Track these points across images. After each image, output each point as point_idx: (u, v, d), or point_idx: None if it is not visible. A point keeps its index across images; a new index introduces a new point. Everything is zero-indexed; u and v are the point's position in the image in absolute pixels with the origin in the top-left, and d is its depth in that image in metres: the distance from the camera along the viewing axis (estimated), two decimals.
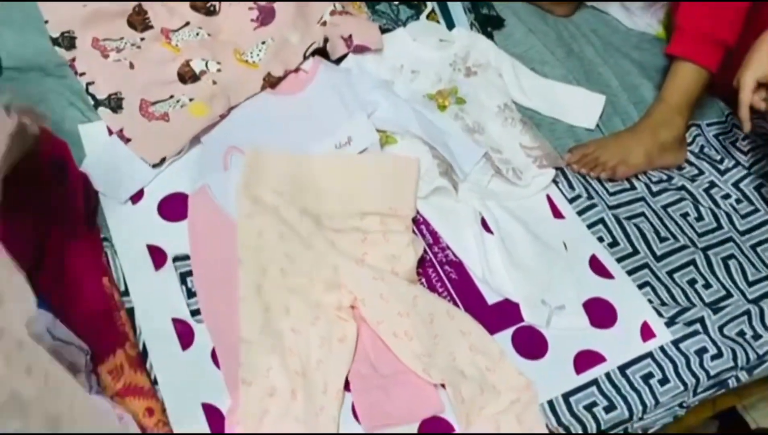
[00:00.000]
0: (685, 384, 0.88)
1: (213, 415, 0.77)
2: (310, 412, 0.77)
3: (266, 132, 1.00)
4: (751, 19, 1.03)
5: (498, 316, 0.90)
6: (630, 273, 0.97)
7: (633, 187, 1.08)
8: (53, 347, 0.74)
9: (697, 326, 0.93)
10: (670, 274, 0.99)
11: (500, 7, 1.30)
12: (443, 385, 0.82)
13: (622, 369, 0.88)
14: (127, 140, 0.97)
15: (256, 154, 0.96)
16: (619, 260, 0.98)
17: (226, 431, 0.76)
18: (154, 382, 0.78)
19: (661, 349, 0.90)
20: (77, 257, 0.83)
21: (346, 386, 0.81)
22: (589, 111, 1.16)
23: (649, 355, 0.90)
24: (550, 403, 0.84)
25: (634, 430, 0.86)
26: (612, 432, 0.85)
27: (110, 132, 0.98)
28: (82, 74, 1.03)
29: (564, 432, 0.82)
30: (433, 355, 0.83)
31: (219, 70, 1.06)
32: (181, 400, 0.77)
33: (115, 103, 1.01)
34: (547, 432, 0.81)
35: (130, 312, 0.83)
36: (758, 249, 1.04)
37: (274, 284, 0.86)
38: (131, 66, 1.05)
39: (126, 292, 0.85)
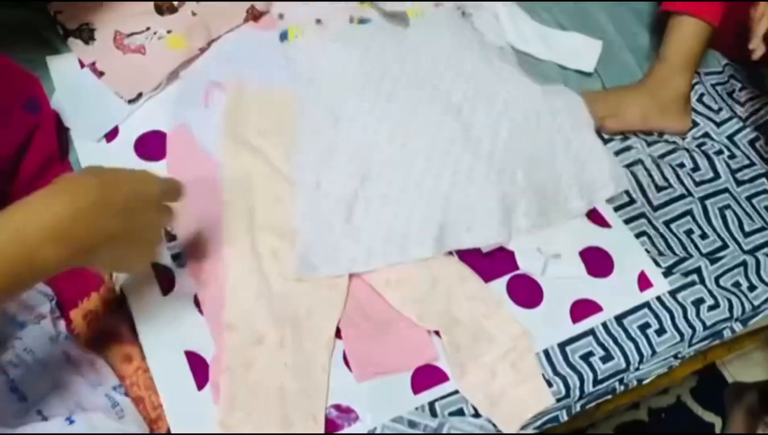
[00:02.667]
0: (681, 334, 0.86)
1: (196, 362, 0.73)
2: (299, 361, 0.74)
3: (249, 67, 0.94)
4: None
5: (492, 264, 0.86)
6: (627, 222, 0.94)
7: (626, 138, 1.04)
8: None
9: (695, 277, 0.91)
10: (667, 223, 0.96)
11: None
12: (437, 333, 0.79)
13: (619, 319, 0.86)
14: (101, 74, 0.90)
15: (239, 90, 0.91)
16: (616, 209, 0.96)
17: (211, 380, 0.72)
18: (133, 329, 0.73)
19: (659, 299, 0.88)
20: None
21: (338, 334, 0.77)
22: (586, 55, 1.12)
23: (646, 304, 0.87)
24: (546, 352, 0.82)
25: (629, 380, 0.85)
26: (608, 382, 0.83)
27: (82, 65, 0.91)
28: (49, 1, 0.95)
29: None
30: (427, 301, 0.80)
31: (198, 1, 0.99)
32: (162, 347, 0.73)
33: (87, 35, 0.93)
34: (544, 382, 0.79)
35: None
36: (754, 200, 1.02)
37: (262, 226, 0.81)
38: None
39: None
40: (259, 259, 0.79)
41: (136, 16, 0.96)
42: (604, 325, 0.85)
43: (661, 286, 0.89)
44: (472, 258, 0.86)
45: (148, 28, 0.95)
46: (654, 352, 0.85)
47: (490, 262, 0.87)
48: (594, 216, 0.94)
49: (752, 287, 0.93)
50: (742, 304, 0.90)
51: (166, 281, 0.77)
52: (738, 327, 0.90)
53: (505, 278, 0.86)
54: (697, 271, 0.92)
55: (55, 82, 0.89)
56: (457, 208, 0.85)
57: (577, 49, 1.12)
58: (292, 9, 0.99)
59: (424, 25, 1.01)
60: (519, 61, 1.07)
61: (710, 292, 0.90)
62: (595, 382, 0.81)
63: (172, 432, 0.68)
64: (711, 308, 0.89)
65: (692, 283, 0.90)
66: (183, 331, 0.74)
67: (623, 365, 0.83)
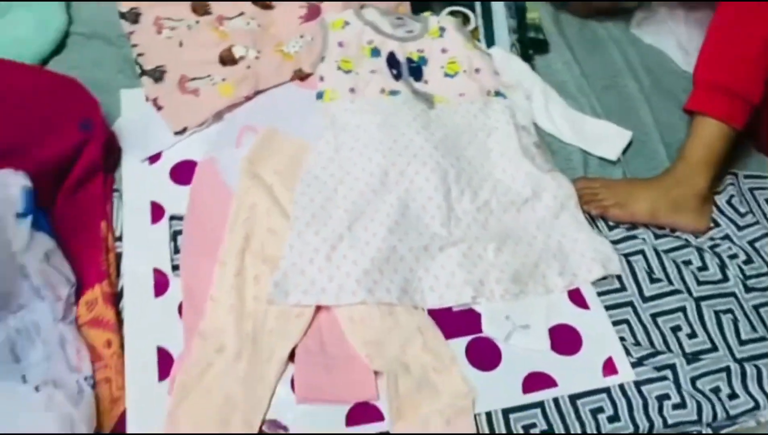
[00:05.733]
0: (636, 426, 0.86)
1: (164, 357, 0.84)
2: (250, 376, 0.82)
3: (283, 118, 1.07)
4: None
5: (457, 322, 0.91)
6: (610, 308, 0.95)
7: (634, 228, 1.05)
8: (43, 269, 0.84)
9: (667, 372, 0.90)
10: (654, 316, 0.96)
11: (550, 32, 1.31)
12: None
13: (573, 398, 0.87)
14: (159, 108, 1.07)
15: (270, 134, 1.04)
16: (602, 293, 0.97)
17: (171, 374, 0.82)
18: (120, 320, 0.86)
19: (621, 386, 0.88)
20: (86, 199, 0.93)
21: (292, 357, 0.85)
22: (612, 143, 1.15)
23: (606, 390, 0.88)
24: (489, 414, 0.84)
25: None
26: None
27: (147, 99, 1.09)
28: (135, 45, 1.15)
29: None
30: (382, 344, 0.86)
31: (257, 58, 1.15)
32: (139, 339, 0.85)
33: (158, 75, 1.12)
34: None
35: (120, 256, 0.92)
36: (762, 310, 0.99)
37: (252, 254, 0.92)
38: (180, 44, 1.16)
39: (120, 239, 0.94)
40: (243, 280, 0.90)
41: (203, 64, 1.13)
42: (556, 400, 0.86)
43: (626, 374, 0.89)
44: (439, 313, 0.92)
45: (209, 75, 1.12)
46: None
47: (455, 320, 0.92)
48: (574, 296, 0.96)
49: (733, 395, 0.90)
50: (714, 410, 0.88)
51: (161, 286, 0.90)
52: (707, 431, 0.88)
53: (467, 338, 0.90)
54: (671, 367, 0.90)
55: (122, 109, 1.08)
56: (423, 270, 0.93)
57: (604, 136, 1.16)
58: (332, 75, 1.12)
59: (444, 110, 1.10)
60: (542, 142, 1.12)
61: (680, 390, 0.88)
62: None
63: (128, 407, 0.78)
64: (676, 407, 0.87)
65: (661, 379, 0.89)
66: (161, 330, 0.86)
67: None
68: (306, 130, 1.06)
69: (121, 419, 0.79)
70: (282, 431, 0.80)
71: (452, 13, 1.26)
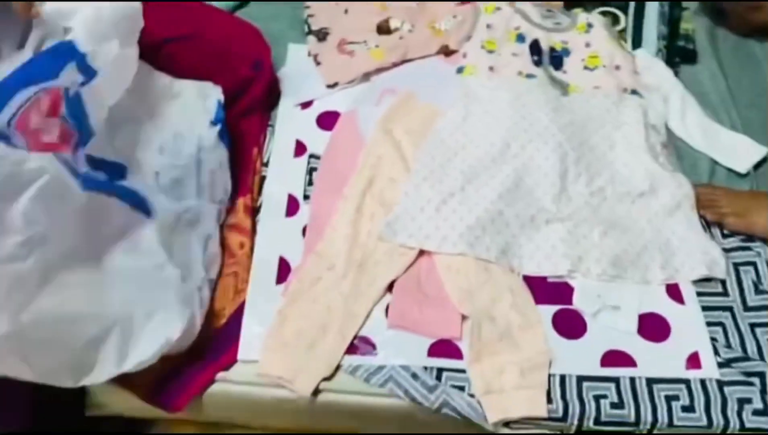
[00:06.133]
0: (710, 421, 0.86)
1: (284, 266, 0.97)
2: (351, 294, 0.93)
3: (422, 86, 1.17)
4: None
5: (549, 290, 0.96)
6: (707, 309, 0.96)
7: (750, 239, 1.03)
8: (213, 172, 0.99)
9: (754, 379, 0.89)
10: (753, 326, 0.95)
11: (703, 44, 1.31)
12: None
13: (650, 381, 0.89)
14: (318, 63, 1.22)
15: (407, 97, 1.14)
16: (702, 294, 0.97)
17: (287, 281, 0.95)
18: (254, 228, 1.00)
19: (702, 382, 0.89)
20: (247, 127, 1.09)
21: (390, 289, 0.95)
22: (744, 156, 1.13)
23: (686, 381, 0.89)
24: (562, 377, 0.89)
25: None
26: (613, 428, 0.86)
27: (309, 54, 1.24)
28: (307, 8, 1.30)
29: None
30: (473, 294, 0.93)
31: (410, 31, 1.26)
32: (266, 247, 0.99)
33: (322, 35, 1.26)
34: (544, 395, 0.86)
35: (263, 179, 1.07)
36: None
37: (372, 196, 1.03)
38: (345, 11, 1.29)
39: (266, 165, 1.09)
40: (360, 216, 1.01)
41: (362, 31, 1.26)
42: (632, 380, 0.89)
43: (709, 371, 0.90)
44: (534, 280, 0.97)
45: (365, 41, 1.25)
46: (671, 424, 0.86)
47: (548, 289, 0.96)
48: (672, 290, 0.97)
49: None
50: None
51: (292, 209, 1.03)
52: None
53: (556, 307, 0.95)
54: (760, 375, 0.89)
55: (287, 60, 1.23)
56: (526, 238, 0.99)
57: (737, 148, 1.14)
58: (475, 53, 1.20)
59: (577, 99, 1.15)
60: (670, 144, 1.14)
61: (764, 398, 0.87)
62: (597, 421, 0.86)
63: (247, 299, 0.92)
64: (757, 413, 0.86)
65: (747, 383, 0.88)
66: (285, 244, 0.99)
67: (632, 419, 0.86)
68: (441, 99, 1.15)
69: (240, 308, 0.92)
70: (370, 348, 0.90)
71: (603, 13, 1.30)
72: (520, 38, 1.22)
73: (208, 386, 0.88)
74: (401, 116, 1.12)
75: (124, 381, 0.84)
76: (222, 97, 1.00)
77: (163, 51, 1.01)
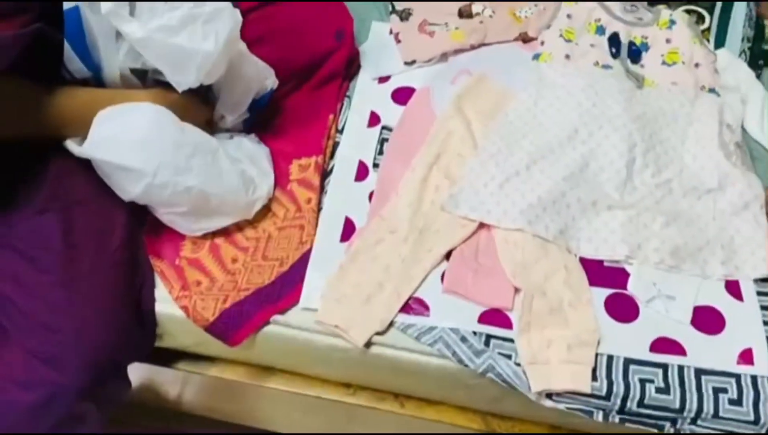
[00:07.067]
0: (757, 416, 0.85)
1: (348, 225, 1.02)
2: (410, 257, 0.97)
3: (497, 70, 1.19)
4: None
5: (604, 274, 0.97)
6: (766, 308, 0.95)
7: None
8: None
9: None
10: None
11: None
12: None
13: (699, 371, 0.89)
14: (398, 41, 1.26)
15: (481, 79, 1.17)
16: (763, 294, 0.96)
17: (351, 239, 1.00)
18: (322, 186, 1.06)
19: (753, 377, 0.88)
20: (324, 93, 1.15)
21: (448, 256, 0.98)
22: None
23: (736, 376, 0.88)
24: (609, 357, 0.90)
25: (683, 428, 0.87)
26: (656, 412, 0.87)
27: (391, 32, 1.28)
28: None
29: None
30: (528, 268, 0.96)
31: (491, 16, 1.29)
32: (334, 206, 1.04)
33: (405, 15, 1.30)
34: (589, 372, 0.88)
35: (336, 145, 1.12)
36: None
37: (438, 168, 1.06)
38: None
39: (340, 132, 1.14)
40: (425, 186, 1.05)
41: (444, 14, 1.30)
42: (681, 368, 0.89)
43: (762, 368, 0.89)
44: (589, 262, 0.98)
45: (446, 23, 1.28)
46: (716, 415, 0.86)
47: (603, 273, 0.98)
48: (731, 286, 0.97)
49: None
50: None
51: (362, 174, 1.08)
52: None
53: (610, 290, 0.96)
54: None
55: (370, 36, 1.28)
56: (585, 221, 1.01)
57: None
58: (553, 41, 1.22)
59: (652, 92, 1.15)
60: (744, 144, 1.13)
61: None
62: (641, 404, 0.87)
63: (312, 250, 0.97)
64: None
65: None
66: (352, 205, 1.04)
67: (677, 406, 0.86)
68: (514, 83, 1.17)
69: (302, 258, 0.97)
70: (423, 310, 0.93)
71: (688, 11, 1.29)
72: (600, 30, 1.23)
73: (264, 325, 0.94)
74: (474, 96, 1.15)
75: (191, 312, 0.91)
76: (275, 85, 1.05)
77: (255, 14, 1.07)
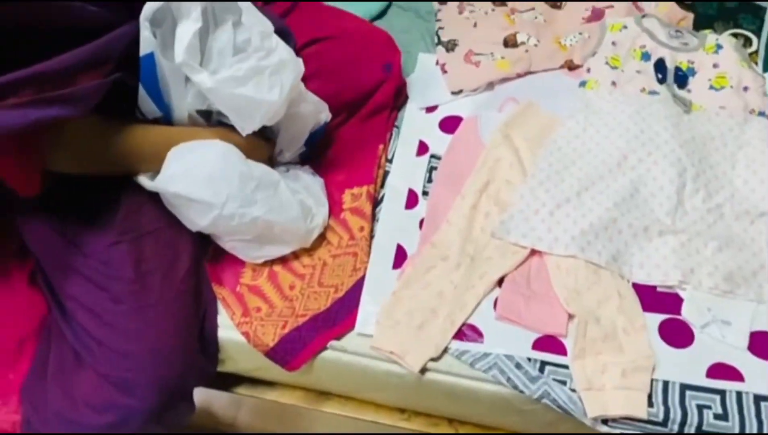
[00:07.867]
0: None
1: (400, 252, 1.04)
2: (462, 284, 0.99)
3: (544, 97, 1.21)
4: None
5: (658, 299, 0.97)
6: None
7: None
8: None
9: None
10: None
11: None
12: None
13: (758, 398, 0.88)
14: (445, 71, 1.29)
15: (528, 106, 1.19)
16: None
17: (403, 266, 1.02)
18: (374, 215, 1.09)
19: None
20: (373, 124, 1.18)
21: (500, 283, 1.00)
22: None
23: None
24: (666, 383, 0.90)
25: None
26: None
27: (437, 63, 1.32)
28: (439, 20, 1.38)
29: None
30: (581, 294, 0.97)
31: (536, 45, 1.31)
32: (386, 234, 1.07)
33: (451, 46, 1.34)
34: (645, 397, 0.88)
35: (387, 174, 1.15)
36: None
37: (488, 195, 1.09)
38: (474, 24, 1.37)
39: (390, 161, 1.17)
40: (475, 213, 1.07)
41: (489, 43, 1.33)
42: (738, 393, 0.88)
43: None
44: (643, 288, 0.99)
45: (491, 53, 1.31)
46: None
47: (657, 298, 0.98)
48: None
49: None
50: None
51: (412, 202, 1.11)
52: None
53: (664, 316, 0.96)
54: None
55: (416, 67, 1.32)
56: (637, 248, 1.01)
57: None
58: (599, 69, 1.24)
59: (700, 117, 1.15)
60: None
61: None
62: (699, 430, 0.86)
63: (366, 277, 1.00)
64: None
65: None
66: (403, 233, 1.07)
67: (736, 431, 0.86)
68: (561, 110, 1.19)
69: (356, 285, 1.00)
70: (477, 336, 0.95)
71: (735, 35, 1.30)
72: (645, 56, 1.24)
73: (321, 351, 0.96)
74: (521, 123, 1.17)
75: (252, 338, 0.94)
76: (328, 118, 1.09)
77: (308, 50, 1.12)
